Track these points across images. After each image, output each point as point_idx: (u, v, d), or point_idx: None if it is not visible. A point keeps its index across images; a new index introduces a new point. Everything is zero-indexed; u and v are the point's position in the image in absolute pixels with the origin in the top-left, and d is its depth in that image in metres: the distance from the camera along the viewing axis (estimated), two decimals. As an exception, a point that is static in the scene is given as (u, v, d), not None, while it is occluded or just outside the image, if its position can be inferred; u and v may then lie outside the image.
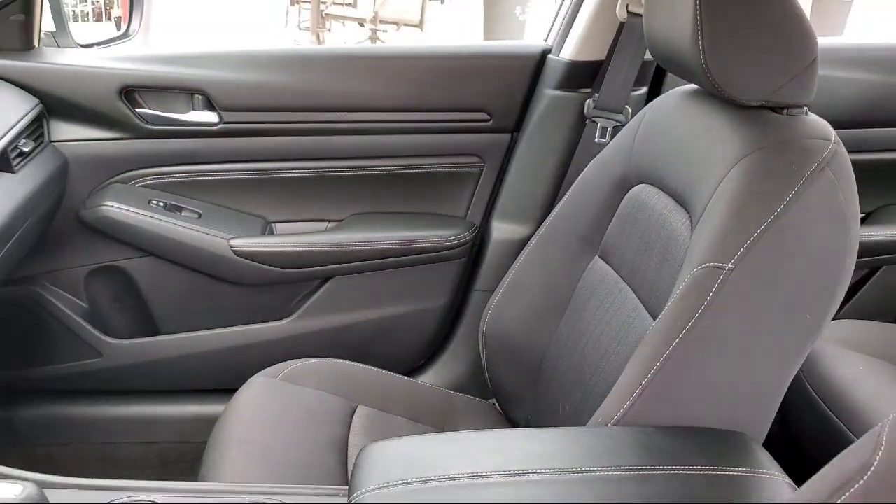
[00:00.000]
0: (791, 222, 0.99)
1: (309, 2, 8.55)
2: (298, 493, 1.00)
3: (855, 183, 1.05)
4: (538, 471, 0.89)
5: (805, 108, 1.10)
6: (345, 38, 8.98)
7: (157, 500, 0.94)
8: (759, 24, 1.05)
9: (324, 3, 8.62)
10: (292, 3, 9.02)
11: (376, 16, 7.98)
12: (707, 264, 0.99)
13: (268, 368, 1.43)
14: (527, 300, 1.40)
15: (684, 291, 1.00)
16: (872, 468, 0.57)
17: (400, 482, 0.88)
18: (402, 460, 0.93)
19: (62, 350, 1.66)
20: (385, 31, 8.26)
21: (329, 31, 8.77)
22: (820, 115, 1.12)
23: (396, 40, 8.24)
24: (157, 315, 1.69)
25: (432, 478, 0.89)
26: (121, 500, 0.94)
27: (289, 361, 1.44)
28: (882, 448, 0.58)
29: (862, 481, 0.57)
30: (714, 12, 1.03)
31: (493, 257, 1.69)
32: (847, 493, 0.58)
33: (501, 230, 1.70)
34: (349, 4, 9.22)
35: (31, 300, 1.63)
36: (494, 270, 1.64)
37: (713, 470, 0.91)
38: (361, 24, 8.34)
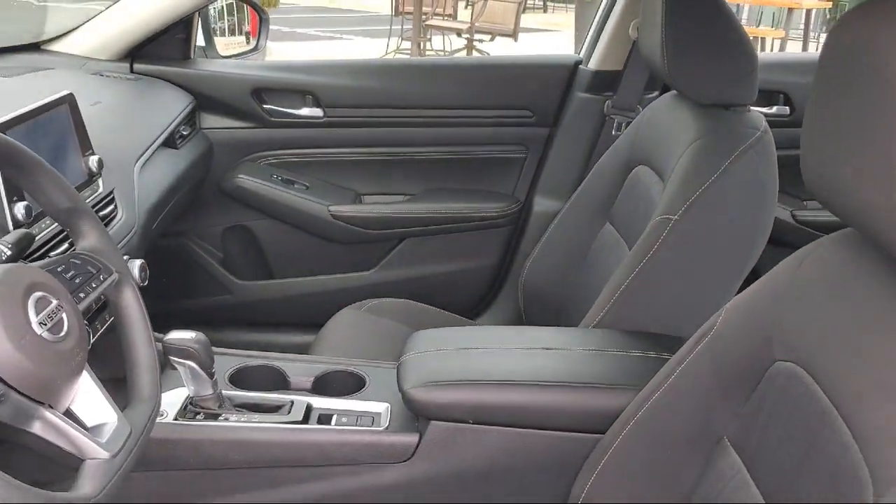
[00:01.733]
0: (720, 188, 1.37)
1: (412, 14, 9.03)
2: (378, 365, 1.42)
3: (776, 165, 1.41)
4: (540, 347, 1.32)
5: (748, 106, 1.48)
6: (444, 47, 9.43)
7: (277, 365, 1.39)
8: (707, 42, 1.43)
9: (425, 14, 9.10)
10: (396, 14, 9.52)
11: (472, 26, 8.42)
12: (662, 216, 1.38)
13: (353, 304, 1.88)
14: (555, 257, 1.81)
15: (645, 235, 1.40)
16: None
17: (433, 349, 1.32)
18: (437, 338, 1.37)
19: (203, 288, 2.17)
20: (481, 41, 8.70)
21: (430, 40, 9.24)
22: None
23: (491, 49, 8.66)
24: (272, 263, 2.19)
25: (462, 347, 1.32)
26: (250, 363, 1.40)
27: (370, 300, 1.89)
28: None
29: None
30: (673, 33, 1.43)
31: (533, 226, 2.11)
32: None
33: (541, 204, 2.12)
34: (449, 16, 9.69)
35: (181, 249, 2.15)
36: (534, 236, 2.06)
37: (647, 354, 1.31)
38: (459, 34, 8.81)
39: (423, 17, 9.01)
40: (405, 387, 1.21)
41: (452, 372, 1.24)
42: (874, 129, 0.70)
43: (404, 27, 9.19)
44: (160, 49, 2.01)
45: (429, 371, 1.24)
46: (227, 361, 1.39)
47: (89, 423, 0.88)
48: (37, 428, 0.80)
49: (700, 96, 1.47)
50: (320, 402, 1.30)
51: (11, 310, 0.78)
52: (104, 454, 0.84)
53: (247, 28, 2.64)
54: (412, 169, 2.15)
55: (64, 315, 0.85)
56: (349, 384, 1.35)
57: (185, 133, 1.93)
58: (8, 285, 0.80)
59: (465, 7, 12.32)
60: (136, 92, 1.89)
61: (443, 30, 9.08)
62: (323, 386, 1.35)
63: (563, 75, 2.07)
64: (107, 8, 1.97)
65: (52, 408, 0.81)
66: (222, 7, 2.70)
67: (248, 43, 2.52)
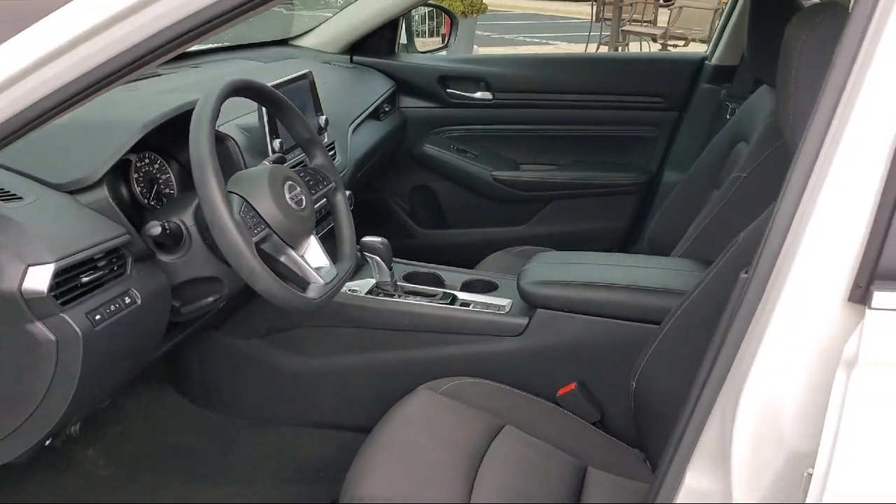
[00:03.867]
0: (780, 155, 1.72)
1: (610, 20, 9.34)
2: (509, 277, 1.92)
3: None
4: (622, 264, 1.75)
5: None
6: (640, 51, 9.64)
7: (437, 272, 1.93)
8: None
9: (624, 20, 9.40)
10: (596, 20, 9.87)
11: (667, 32, 8.63)
12: (735, 174, 1.77)
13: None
14: (675, 218, 2.22)
15: (723, 190, 1.79)
16: None
17: (545, 262, 1.79)
18: (550, 256, 1.84)
19: (394, 234, 2.74)
20: (675, 47, 8.88)
21: (627, 45, 9.52)
22: None
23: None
24: (447, 216, 2.75)
25: (565, 262, 1.79)
26: (419, 270, 1.94)
27: (517, 246, 2.34)
28: None
29: None
30: (756, 30, 1.79)
31: (661, 194, 2.51)
32: None
33: (669, 176, 2.52)
34: (648, 22, 9.88)
35: (380, 203, 2.76)
36: (661, 203, 2.46)
37: (698, 271, 1.69)
38: (654, 40, 9.04)
39: (622, 22, 9.32)
40: (521, 283, 1.70)
41: (554, 275, 1.71)
42: None
43: (603, 33, 9.54)
44: (372, 45, 2.63)
45: (539, 274, 1.72)
46: (405, 268, 1.94)
47: (313, 265, 1.44)
48: (284, 259, 1.37)
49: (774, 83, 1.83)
50: (463, 296, 1.82)
51: (275, 188, 1.36)
52: (321, 282, 1.40)
53: (443, 31, 3.23)
54: (562, 143, 2.62)
55: (303, 197, 1.41)
56: (486, 287, 1.86)
57: (387, 109, 2.52)
58: (274, 174, 1.38)
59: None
60: (353, 77, 2.51)
61: (639, 35, 9.33)
62: (468, 287, 1.87)
63: (692, 68, 2.47)
64: (334, 15, 2.61)
65: (294, 250, 1.38)
66: (424, 14, 3.31)
67: (442, 42, 3.10)
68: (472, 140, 2.68)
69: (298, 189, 1.41)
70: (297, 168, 1.52)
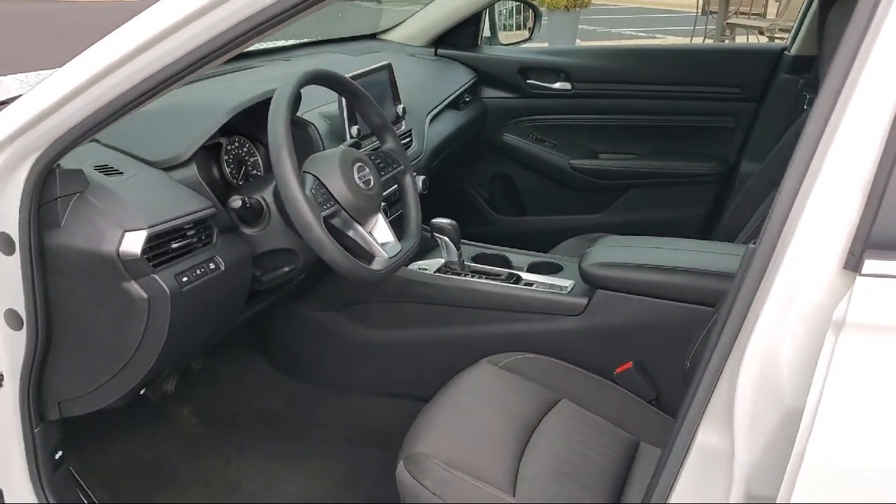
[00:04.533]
0: None
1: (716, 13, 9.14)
2: (573, 260, 2.00)
3: None
4: (679, 249, 1.80)
5: None
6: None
7: (505, 253, 2.01)
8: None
9: (730, 12, 9.19)
10: (702, 13, 9.68)
11: (774, 25, 8.39)
12: None
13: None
14: (751, 208, 2.23)
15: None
16: None
17: (607, 245, 1.85)
18: (613, 239, 1.90)
19: (472, 220, 2.86)
20: (783, 39, 8.61)
21: (733, 39, 9.30)
22: None
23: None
24: (525, 204, 2.82)
25: (626, 245, 1.84)
26: (487, 251, 2.03)
27: (592, 233, 2.41)
28: None
29: None
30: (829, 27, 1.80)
31: (738, 184, 2.51)
32: None
33: (746, 166, 2.52)
34: (757, 14, 9.61)
35: (460, 190, 2.86)
36: (738, 193, 2.47)
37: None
38: (761, 33, 8.80)
39: (727, 15, 9.11)
40: (582, 265, 1.77)
41: (615, 258, 1.77)
42: None
43: (708, 27, 9.35)
44: (456, 38, 2.73)
45: (600, 256, 1.78)
46: (474, 250, 2.04)
47: (380, 240, 1.56)
48: (352, 233, 1.49)
49: None
50: (528, 276, 1.90)
51: (345, 169, 1.48)
52: (385, 256, 1.52)
53: (530, 24, 3.30)
54: (640, 133, 2.66)
55: (371, 177, 1.53)
56: (551, 269, 1.94)
57: (467, 100, 2.62)
58: (345, 156, 1.50)
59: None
60: (435, 69, 2.62)
61: (746, 28, 9.10)
62: (533, 269, 1.95)
63: (770, 59, 2.46)
64: (421, 9, 2.73)
65: (361, 226, 1.50)
66: (512, 8, 3.39)
67: (528, 35, 3.18)
68: (550, 129, 2.74)
69: (367, 170, 1.53)
70: (369, 152, 1.64)
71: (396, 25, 2.76)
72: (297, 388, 2.10)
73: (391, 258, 1.52)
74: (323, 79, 1.54)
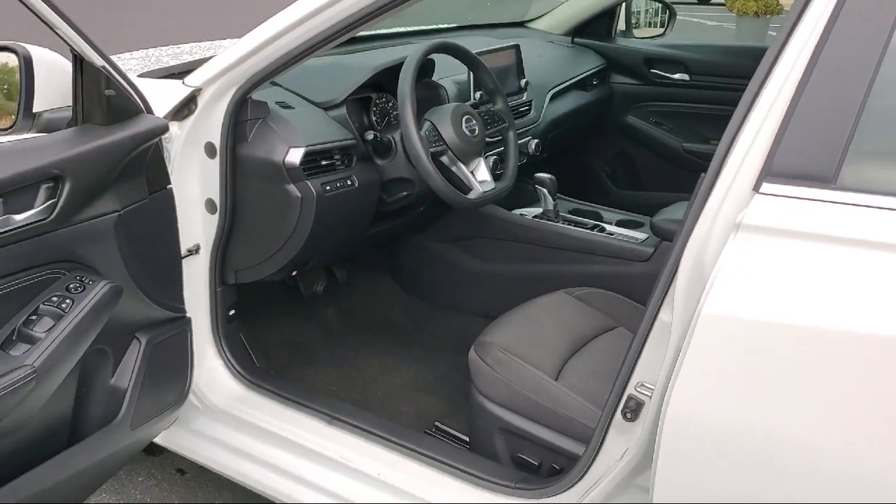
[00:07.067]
0: None
1: None
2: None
3: None
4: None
5: None
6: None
7: (598, 210, 2.38)
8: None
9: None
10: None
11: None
12: None
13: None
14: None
15: None
16: None
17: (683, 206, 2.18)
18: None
19: (594, 192, 3.18)
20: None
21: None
22: None
23: None
24: (643, 181, 3.14)
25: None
26: (581, 207, 2.41)
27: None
28: None
29: None
30: None
31: None
32: None
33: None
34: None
35: (584, 165, 3.22)
36: None
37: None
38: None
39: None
40: (653, 219, 2.11)
41: (680, 215, 2.10)
42: None
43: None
44: (592, 29, 3.10)
45: (670, 213, 2.12)
46: (572, 205, 2.43)
47: (479, 179, 1.98)
48: (455, 169, 1.93)
49: None
50: (611, 228, 2.27)
51: (455, 119, 1.92)
52: (480, 190, 1.94)
53: (664, 20, 3.59)
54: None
55: (477, 128, 1.96)
56: (635, 224, 2.29)
57: (594, 83, 2.99)
58: (457, 109, 1.94)
59: None
60: (569, 53, 3.01)
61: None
62: (620, 223, 2.31)
63: None
64: (565, 2, 3.12)
65: (465, 165, 1.94)
66: (658, 7, 3.69)
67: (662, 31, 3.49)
68: (668, 115, 3.05)
69: (474, 122, 1.96)
70: (480, 110, 2.07)
71: (542, 15, 3.17)
72: (416, 304, 2.57)
73: (485, 192, 1.95)
74: (445, 48, 1.99)
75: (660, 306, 1.30)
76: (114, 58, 2.15)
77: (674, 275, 1.26)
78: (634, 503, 1.40)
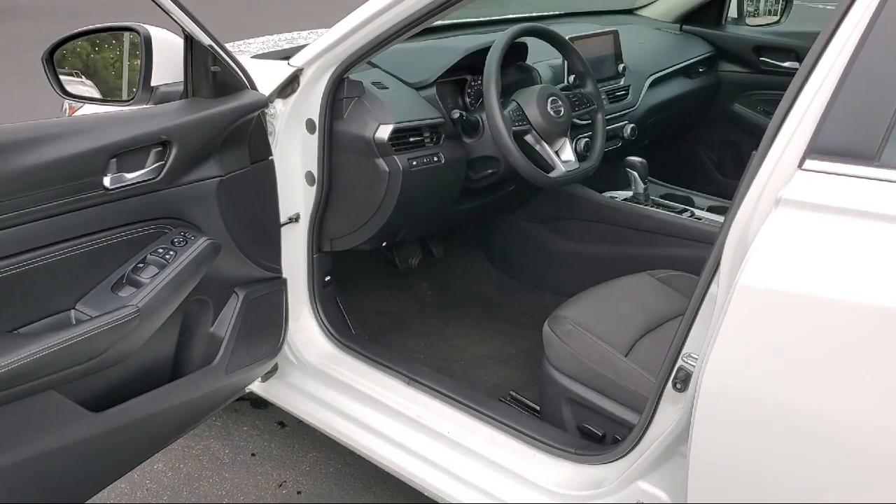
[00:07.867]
0: None
1: None
2: None
3: None
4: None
5: None
6: None
7: (689, 194, 2.40)
8: None
9: None
10: None
11: None
12: None
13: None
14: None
15: None
16: None
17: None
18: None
19: (698, 180, 3.16)
20: None
21: None
22: None
23: None
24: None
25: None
26: (675, 192, 2.42)
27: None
28: None
29: None
30: None
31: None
32: None
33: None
34: None
35: (690, 151, 3.20)
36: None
37: None
38: None
39: None
40: None
41: None
42: None
43: None
44: (701, 16, 3.08)
45: None
46: (662, 189, 2.45)
47: (563, 159, 2.05)
48: (538, 148, 2.00)
49: None
50: (699, 213, 2.29)
51: (541, 100, 1.99)
52: (563, 170, 2.01)
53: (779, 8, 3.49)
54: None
55: (562, 109, 2.03)
56: (726, 211, 2.29)
57: (700, 70, 2.97)
58: (543, 90, 2.01)
59: None
60: (674, 40, 3.00)
61: None
62: (711, 209, 2.32)
63: None
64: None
65: (549, 145, 2.01)
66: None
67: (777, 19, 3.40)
68: (776, 104, 2.97)
69: (560, 103, 2.02)
70: (569, 92, 2.13)
71: (651, 3, 3.17)
72: (506, 281, 2.67)
73: (567, 172, 2.01)
74: (534, 32, 2.06)
75: (711, 279, 1.34)
76: (237, 43, 2.36)
77: (722, 249, 1.30)
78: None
